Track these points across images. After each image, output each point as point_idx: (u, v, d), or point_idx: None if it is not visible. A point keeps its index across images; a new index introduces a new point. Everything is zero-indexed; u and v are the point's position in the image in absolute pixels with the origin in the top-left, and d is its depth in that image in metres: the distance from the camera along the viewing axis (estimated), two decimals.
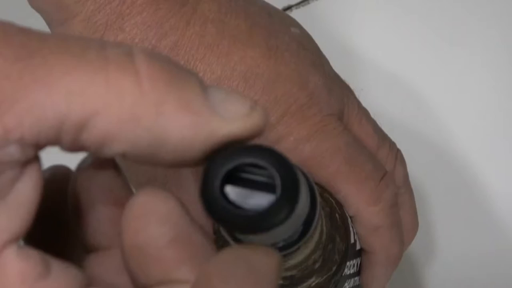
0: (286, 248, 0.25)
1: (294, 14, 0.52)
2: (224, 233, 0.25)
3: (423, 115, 0.51)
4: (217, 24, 0.36)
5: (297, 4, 0.55)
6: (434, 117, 0.51)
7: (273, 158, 0.22)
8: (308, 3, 0.55)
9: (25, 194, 0.21)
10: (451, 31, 0.54)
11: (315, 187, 0.25)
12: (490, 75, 0.52)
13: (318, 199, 0.25)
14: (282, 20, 0.39)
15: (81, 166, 0.24)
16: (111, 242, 0.24)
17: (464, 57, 0.53)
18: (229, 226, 0.22)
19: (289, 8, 0.54)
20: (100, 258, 0.24)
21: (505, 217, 0.48)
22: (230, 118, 0.22)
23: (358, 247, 0.37)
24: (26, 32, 0.21)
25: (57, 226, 0.24)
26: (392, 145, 0.40)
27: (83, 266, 0.24)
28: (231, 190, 0.22)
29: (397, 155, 0.40)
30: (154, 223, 0.22)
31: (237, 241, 0.25)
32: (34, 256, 0.21)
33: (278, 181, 0.21)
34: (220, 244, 0.34)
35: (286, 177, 0.21)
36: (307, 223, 0.25)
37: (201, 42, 0.36)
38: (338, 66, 0.41)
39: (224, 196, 0.22)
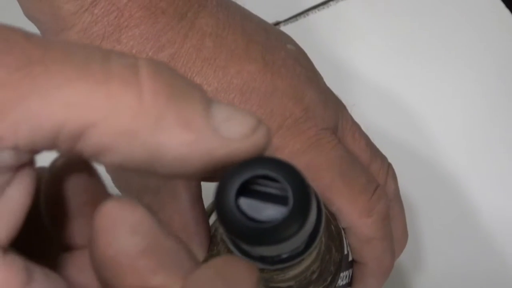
0: (290, 259, 0.25)
1: (282, 30, 0.53)
2: (228, 242, 0.25)
3: (413, 129, 0.52)
4: (215, 38, 0.37)
5: (285, 21, 0.56)
6: (424, 131, 0.52)
7: (286, 170, 0.22)
8: (296, 19, 0.56)
9: (15, 201, 0.21)
10: (440, 46, 0.54)
11: (321, 199, 0.25)
12: (480, 90, 0.53)
13: (324, 211, 0.25)
14: (278, 36, 0.40)
15: (54, 165, 0.24)
16: (86, 241, 0.23)
17: (454, 72, 0.53)
18: (241, 238, 0.22)
19: (277, 24, 0.55)
20: (76, 258, 0.24)
21: (491, 229, 0.49)
22: (230, 139, 0.21)
23: (350, 259, 0.38)
24: (29, 39, 0.20)
25: (32, 225, 0.24)
26: (383, 159, 0.41)
27: (58, 265, 0.24)
28: (243, 202, 0.22)
29: (389, 170, 0.41)
30: (124, 234, 0.21)
31: (240, 250, 0.25)
32: (18, 263, 0.21)
33: (290, 194, 0.22)
34: (214, 251, 0.35)
35: (299, 190, 0.22)
36: (313, 235, 0.25)
37: (198, 56, 0.36)
38: (328, 82, 0.41)
39: (238, 208, 0.22)
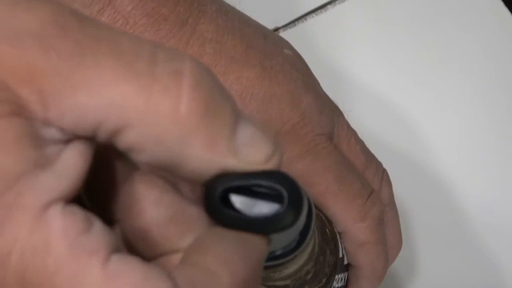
0: (283, 256, 0.27)
1: (281, 36, 0.54)
2: None
3: (408, 135, 0.52)
4: (215, 45, 0.38)
5: (284, 26, 0.56)
6: (420, 137, 0.52)
7: (276, 174, 0.23)
8: (295, 25, 0.56)
9: (71, 161, 0.22)
10: (438, 52, 0.55)
11: (310, 198, 0.26)
12: (477, 97, 0.53)
13: (314, 210, 0.26)
14: (276, 42, 0.41)
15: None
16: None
17: (452, 78, 0.54)
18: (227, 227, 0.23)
19: (276, 30, 0.56)
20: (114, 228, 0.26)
21: (486, 236, 0.49)
22: (247, 162, 0.23)
23: (345, 262, 0.39)
24: (83, 28, 0.22)
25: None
26: (378, 165, 0.42)
27: None
28: (236, 199, 0.23)
29: (383, 175, 0.42)
30: (150, 206, 0.24)
31: None
32: (78, 213, 0.22)
33: (284, 192, 0.23)
34: None
35: (292, 189, 0.23)
36: (304, 233, 0.26)
37: None
38: (324, 87, 0.42)
39: (229, 204, 0.23)
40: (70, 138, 0.22)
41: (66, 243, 0.21)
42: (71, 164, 0.22)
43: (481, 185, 0.51)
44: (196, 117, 0.22)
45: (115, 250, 0.22)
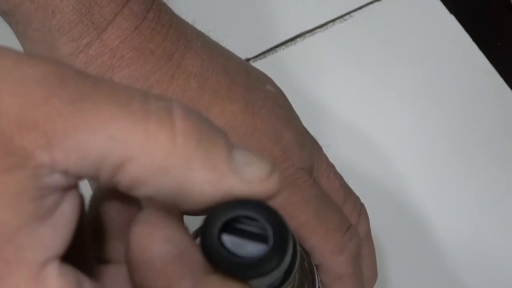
0: None
1: None
2: None
3: (385, 170, 0.53)
4: (199, 79, 0.38)
5: (254, 57, 0.57)
6: (397, 172, 0.53)
7: (266, 211, 0.24)
8: (265, 56, 0.57)
9: (67, 216, 0.23)
10: (410, 79, 0.56)
11: (296, 239, 0.27)
12: (453, 133, 0.54)
13: (299, 249, 0.27)
14: (259, 78, 0.41)
15: (99, 188, 0.27)
16: (122, 257, 0.26)
17: (428, 112, 0.55)
18: (223, 271, 0.24)
19: (246, 60, 0.56)
20: (111, 270, 0.27)
21: (460, 272, 0.50)
22: (249, 181, 0.24)
23: None
24: (81, 77, 0.23)
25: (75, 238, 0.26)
26: (356, 200, 0.43)
27: (95, 275, 0.26)
28: (227, 239, 0.24)
29: (361, 210, 0.42)
30: (160, 241, 0.24)
31: None
32: (71, 274, 0.23)
33: (270, 233, 0.24)
34: None
35: (278, 230, 0.24)
36: (288, 271, 0.27)
37: (184, 96, 0.38)
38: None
39: (221, 243, 0.24)
40: (72, 184, 0.23)
41: None
42: (67, 218, 0.23)
43: (458, 221, 0.52)
44: (192, 143, 0.23)
45: None
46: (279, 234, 0.24)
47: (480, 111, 0.55)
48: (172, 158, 0.23)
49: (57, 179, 0.23)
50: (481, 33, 0.58)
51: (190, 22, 0.41)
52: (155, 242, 0.24)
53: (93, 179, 0.23)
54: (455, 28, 0.58)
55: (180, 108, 0.24)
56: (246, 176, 0.24)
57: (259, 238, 0.24)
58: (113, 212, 0.27)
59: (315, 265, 0.39)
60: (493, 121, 0.55)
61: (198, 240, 0.25)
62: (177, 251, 0.24)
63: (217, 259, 0.24)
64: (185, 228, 0.25)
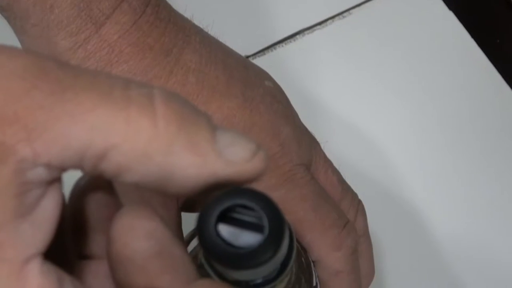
0: (263, 285, 0.27)
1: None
2: (206, 266, 0.27)
3: (383, 166, 0.53)
4: (198, 74, 0.38)
5: (253, 55, 0.57)
6: (394, 169, 0.53)
7: (262, 201, 0.24)
8: (264, 53, 0.57)
9: (48, 211, 0.23)
10: (409, 77, 0.56)
11: (293, 230, 0.27)
12: (450, 129, 0.54)
13: (295, 241, 0.27)
14: (257, 73, 0.41)
15: (79, 183, 0.27)
16: (103, 252, 0.26)
17: (426, 109, 0.55)
18: (219, 261, 0.24)
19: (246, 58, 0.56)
20: (93, 266, 0.26)
21: (457, 268, 0.50)
22: (232, 162, 0.24)
23: None
24: (62, 68, 0.23)
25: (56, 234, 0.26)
26: (354, 196, 0.43)
27: (76, 271, 0.26)
28: (223, 228, 0.24)
29: (359, 206, 0.42)
30: (141, 237, 0.24)
31: (218, 274, 0.27)
32: (52, 273, 0.23)
33: (266, 223, 0.24)
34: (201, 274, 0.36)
35: (274, 219, 0.24)
36: (285, 263, 0.27)
37: (182, 91, 0.38)
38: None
39: (218, 234, 0.24)
40: (55, 178, 0.23)
41: None
42: (49, 213, 0.23)
43: (456, 218, 0.52)
44: (174, 127, 0.23)
45: None
46: (275, 224, 0.24)
47: (479, 108, 0.55)
48: (155, 143, 0.23)
49: (39, 172, 0.22)
50: (480, 30, 0.58)
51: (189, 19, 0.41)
52: (136, 238, 0.24)
53: (77, 169, 0.23)
54: (454, 25, 0.58)
55: (161, 93, 0.23)
56: (230, 157, 0.24)
57: (255, 227, 0.24)
58: (93, 207, 0.26)
59: (313, 261, 0.39)
60: (492, 118, 0.55)
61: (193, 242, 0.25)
62: (158, 247, 0.24)
63: (213, 249, 0.24)
64: (166, 224, 0.25)
